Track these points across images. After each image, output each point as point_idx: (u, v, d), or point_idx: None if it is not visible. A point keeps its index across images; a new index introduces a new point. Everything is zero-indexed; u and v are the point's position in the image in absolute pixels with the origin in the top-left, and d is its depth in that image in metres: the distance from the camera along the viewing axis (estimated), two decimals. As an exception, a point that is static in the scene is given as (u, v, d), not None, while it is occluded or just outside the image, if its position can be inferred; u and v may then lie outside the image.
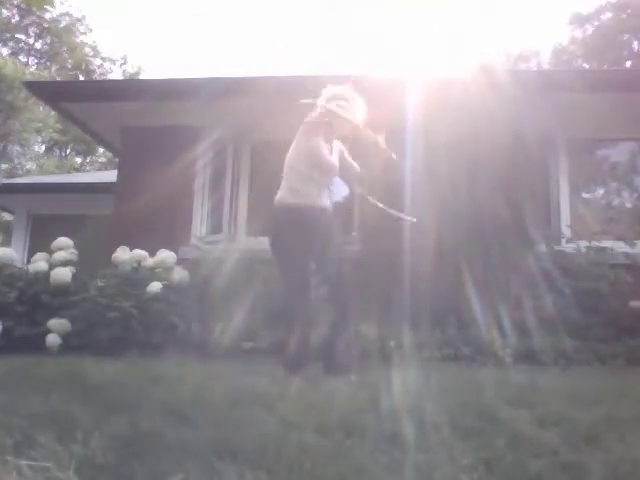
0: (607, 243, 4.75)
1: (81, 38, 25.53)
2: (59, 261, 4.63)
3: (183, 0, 40.94)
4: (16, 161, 23.69)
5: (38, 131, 22.94)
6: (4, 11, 22.19)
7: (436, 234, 4.33)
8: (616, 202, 5.92)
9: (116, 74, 26.37)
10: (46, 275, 4.50)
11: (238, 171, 5.84)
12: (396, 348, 3.75)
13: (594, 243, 4.69)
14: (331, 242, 3.03)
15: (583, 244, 4.72)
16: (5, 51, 23.52)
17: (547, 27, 40.30)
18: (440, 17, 37.16)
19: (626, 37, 22.16)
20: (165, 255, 4.58)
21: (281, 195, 3.02)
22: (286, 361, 2.86)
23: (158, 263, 4.55)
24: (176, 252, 4.76)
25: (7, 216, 12.50)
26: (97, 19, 42.24)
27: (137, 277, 4.42)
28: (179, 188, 5.40)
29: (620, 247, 4.77)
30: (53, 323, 4.24)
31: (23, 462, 1.25)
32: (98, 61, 26.72)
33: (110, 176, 7.93)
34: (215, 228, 5.77)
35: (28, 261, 5.63)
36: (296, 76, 6.02)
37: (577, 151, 5.61)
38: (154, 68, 31.95)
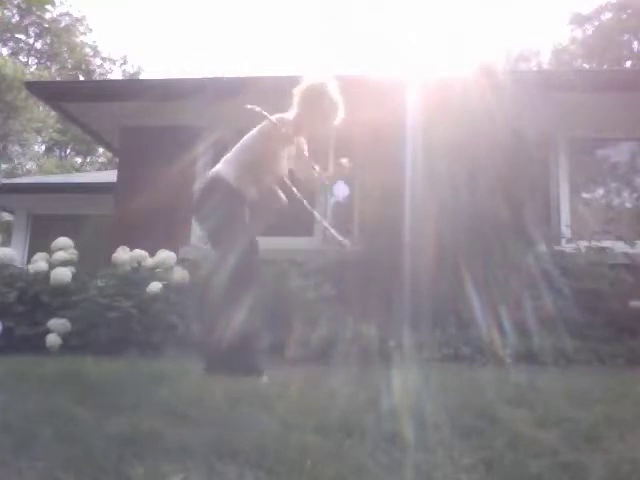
0: (607, 243, 4.76)
1: (81, 38, 25.59)
2: (59, 261, 4.63)
3: (183, 0, 40.95)
4: (16, 161, 23.71)
5: (38, 131, 22.97)
6: (3, 11, 22.19)
7: (436, 234, 4.33)
8: (616, 202, 5.92)
9: (116, 74, 26.46)
10: (46, 275, 4.50)
11: (238, 171, 5.84)
12: (396, 348, 3.75)
13: (594, 243, 4.69)
14: None
15: (583, 244, 4.72)
16: (5, 51, 23.55)
17: (547, 27, 40.41)
18: (440, 17, 37.15)
19: (626, 37, 22.18)
20: (165, 255, 4.58)
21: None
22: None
23: (158, 263, 4.55)
24: (176, 252, 4.76)
25: (7, 216, 12.50)
26: (97, 19, 42.37)
27: (137, 277, 4.42)
28: (179, 188, 5.40)
29: (620, 247, 4.77)
30: (53, 323, 4.25)
31: (23, 462, 1.25)
32: (98, 61, 26.80)
33: (110, 176, 7.93)
34: (215, 228, 5.77)
35: (28, 261, 5.64)
36: (296, 76, 6.02)
37: (577, 151, 5.61)
38: (154, 68, 31.99)
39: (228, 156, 2.92)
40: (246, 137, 2.93)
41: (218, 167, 2.87)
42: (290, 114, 2.88)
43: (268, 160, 2.87)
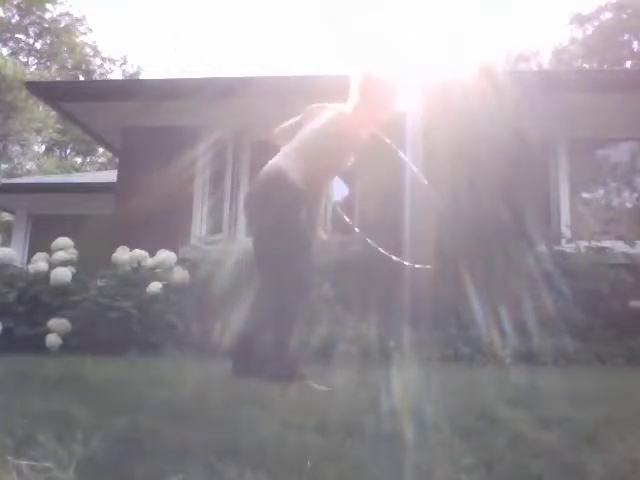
0: (607, 243, 4.76)
1: (81, 38, 25.58)
2: (59, 261, 4.63)
3: (184, 0, 40.96)
4: (16, 161, 23.71)
5: (38, 131, 22.98)
6: (3, 11, 22.20)
7: (436, 235, 4.33)
8: (616, 202, 5.93)
9: (116, 74, 26.46)
10: (46, 275, 4.50)
11: (238, 171, 5.85)
12: (396, 348, 3.75)
13: (594, 243, 4.69)
14: None
15: (583, 244, 4.72)
16: (5, 51, 23.54)
17: (547, 27, 40.41)
18: (440, 17, 37.15)
19: (626, 37, 22.18)
20: (165, 255, 4.58)
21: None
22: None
23: (158, 263, 4.55)
24: (176, 252, 4.76)
25: (7, 216, 12.50)
26: (97, 19, 42.36)
27: (137, 277, 4.42)
28: (179, 188, 5.41)
29: (620, 247, 4.77)
30: (53, 323, 4.25)
31: (23, 462, 1.25)
32: (98, 61, 26.79)
33: (110, 176, 7.94)
34: (215, 228, 5.78)
35: (28, 261, 5.64)
36: (296, 76, 6.03)
37: (577, 151, 5.61)
38: (154, 68, 31.99)
39: (292, 153, 2.51)
40: (317, 131, 2.53)
41: (282, 165, 2.47)
42: (351, 107, 2.62)
43: (338, 164, 2.57)
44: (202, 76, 5.56)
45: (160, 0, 39.12)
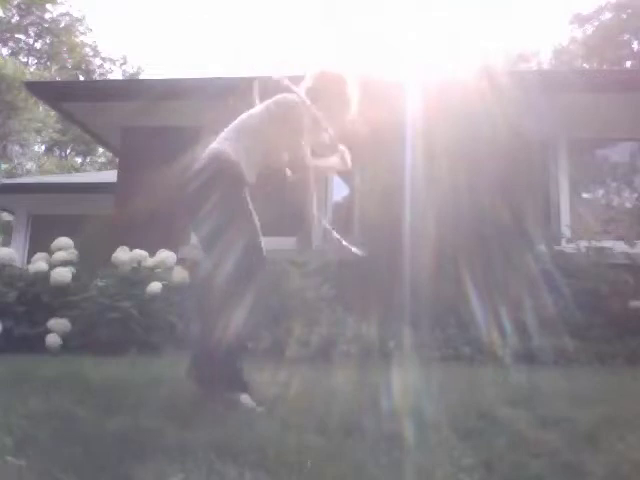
0: (607, 243, 4.76)
1: (81, 38, 25.57)
2: (59, 261, 4.63)
3: (184, 0, 40.95)
4: (16, 161, 23.69)
5: (38, 131, 22.95)
6: (4, 11, 22.20)
7: (436, 234, 4.33)
8: (616, 202, 5.92)
9: (116, 74, 26.43)
10: (46, 275, 4.49)
11: (238, 171, 5.84)
12: (396, 348, 3.75)
13: (594, 243, 4.69)
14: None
15: (583, 244, 4.72)
16: (5, 51, 23.52)
17: (547, 27, 40.41)
18: (439, 18, 37.12)
19: (626, 37, 22.16)
20: (165, 255, 4.57)
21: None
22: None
23: (158, 263, 4.55)
24: (176, 252, 4.76)
25: (7, 216, 12.49)
26: (97, 19, 42.33)
27: (137, 277, 4.42)
28: (179, 188, 5.40)
29: (620, 247, 4.77)
30: (53, 323, 4.24)
31: (23, 462, 1.25)
32: (98, 61, 26.78)
33: (110, 176, 7.93)
34: (215, 228, 5.76)
35: (28, 261, 5.64)
36: (296, 76, 6.02)
37: (577, 151, 5.61)
38: (154, 68, 31.96)
39: (228, 134, 2.38)
40: (251, 114, 2.46)
41: (218, 146, 2.32)
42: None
43: (277, 147, 2.41)
44: (202, 76, 5.53)
45: (160, 0, 39.09)
